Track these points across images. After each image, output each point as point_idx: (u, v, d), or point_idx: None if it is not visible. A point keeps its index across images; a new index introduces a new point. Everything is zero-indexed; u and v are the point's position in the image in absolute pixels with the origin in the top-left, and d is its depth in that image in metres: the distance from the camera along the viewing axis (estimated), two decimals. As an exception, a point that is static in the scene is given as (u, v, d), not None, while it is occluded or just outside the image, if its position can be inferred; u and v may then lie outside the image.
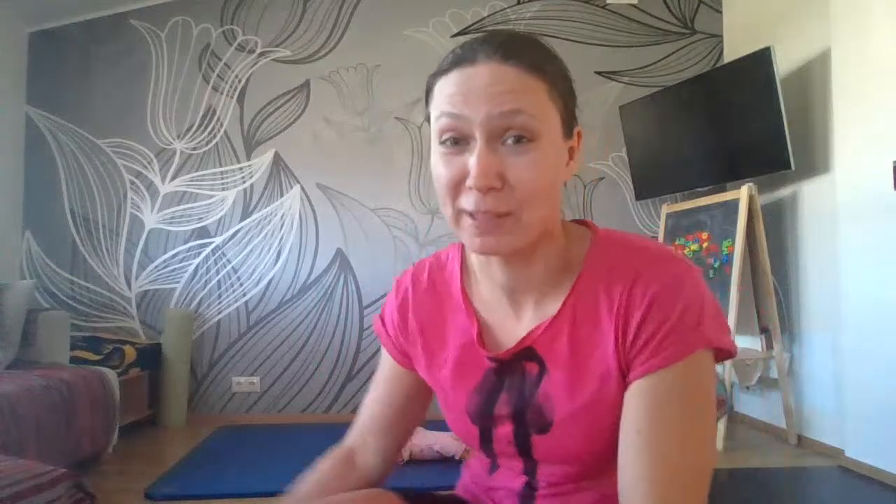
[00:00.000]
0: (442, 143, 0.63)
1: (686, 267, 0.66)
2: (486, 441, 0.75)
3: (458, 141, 0.62)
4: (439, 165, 0.64)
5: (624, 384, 0.66)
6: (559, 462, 0.72)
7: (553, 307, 0.70)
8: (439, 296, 0.78)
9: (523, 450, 0.73)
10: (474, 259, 0.75)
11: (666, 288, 0.64)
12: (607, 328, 0.66)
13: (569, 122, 0.67)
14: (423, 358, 0.78)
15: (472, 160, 0.60)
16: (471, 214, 0.62)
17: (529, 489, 0.74)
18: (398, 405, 0.83)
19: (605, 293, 0.67)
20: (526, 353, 0.71)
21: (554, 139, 0.64)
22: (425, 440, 2.48)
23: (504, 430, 0.73)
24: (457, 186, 0.62)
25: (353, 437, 0.85)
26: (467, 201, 0.62)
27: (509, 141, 0.61)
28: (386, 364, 0.84)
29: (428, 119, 0.68)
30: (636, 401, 0.64)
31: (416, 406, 0.84)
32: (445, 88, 0.63)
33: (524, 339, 0.71)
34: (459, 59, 0.63)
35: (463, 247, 0.78)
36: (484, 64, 0.61)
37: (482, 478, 0.81)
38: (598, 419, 0.67)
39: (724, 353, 0.66)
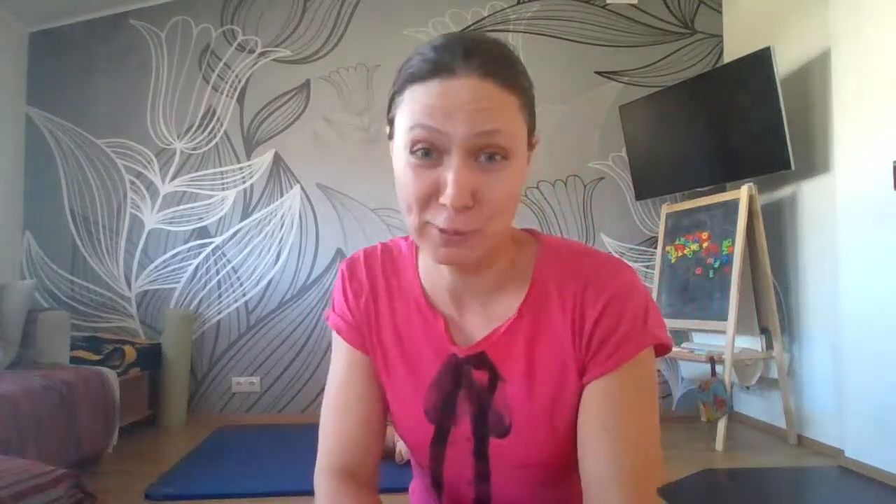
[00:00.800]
0: (413, 152, 0.62)
1: (630, 270, 0.71)
2: (439, 442, 0.74)
3: (429, 153, 0.61)
4: (409, 177, 0.62)
5: (579, 383, 0.69)
6: (516, 467, 0.72)
7: (503, 312, 0.71)
8: (391, 290, 0.77)
9: (479, 450, 0.72)
10: (424, 260, 0.76)
11: (618, 291, 0.68)
12: (562, 329, 0.69)
13: (531, 133, 0.68)
14: (378, 351, 0.76)
15: (449, 177, 0.60)
16: (439, 228, 0.61)
17: None
18: (377, 402, 0.77)
19: (558, 296, 0.70)
20: (477, 358, 0.71)
21: (522, 153, 0.65)
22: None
23: (463, 429, 0.73)
24: (426, 200, 0.62)
25: (346, 454, 0.74)
26: (437, 217, 0.61)
27: (483, 158, 0.61)
28: (352, 362, 0.77)
29: (391, 121, 0.67)
30: (598, 400, 0.67)
31: (385, 399, 0.78)
32: (423, 98, 0.61)
33: (481, 342, 0.71)
34: (438, 68, 0.61)
35: (413, 243, 0.78)
36: (465, 78, 0.60)
37: None
38: (557, 420, 0.69)
39: (663, 347, 0.70)
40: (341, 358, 0.78)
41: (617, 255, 3.59)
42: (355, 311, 0.77)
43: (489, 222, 0.62)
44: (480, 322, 0.72)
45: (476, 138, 0.60)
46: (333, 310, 0.80)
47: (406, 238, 0.80)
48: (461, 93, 0.60)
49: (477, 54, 0.61)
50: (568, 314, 0.69)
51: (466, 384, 0.72)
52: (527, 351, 0.70)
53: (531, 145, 0.69)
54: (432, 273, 0.74)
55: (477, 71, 0.60)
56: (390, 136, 0.67)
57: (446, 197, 0.59)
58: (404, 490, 0.95)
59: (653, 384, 0.69)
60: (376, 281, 0.77)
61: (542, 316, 0.70)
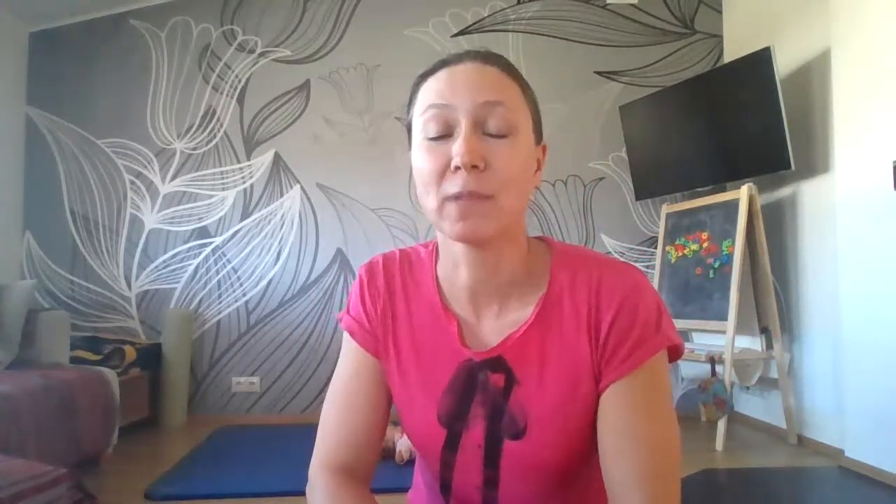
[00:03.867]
0: (428, 138, 0.67)
1: (640, 274, 0.73)
2: (450, 447, 0.74)
3: (441, 133, 0.66)
4: (424, 157, 0.67)
5: (595, 387, 0.70)
6: (527, 470, 0.72)
7: (519, 314, 0.73)
8: (408, 295, 0.78)
9: (491, 456, 0.73)
10: (443, 261, 0.77)
11: (629, 295, 0.70)
12: (576, 333, 0.71)
13: (538, 131, 0.72)
14: (392, 355, 0.77)
15: (456, 144, 0.64)
16: (455, 198, 0.65)
17: None
18: (382, 405, 0.78)
19: (571, 301, 0.72)
20: (494, 361, 0.72)
21: (527, 138, 0.69)
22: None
23: (475, 433, 0.73)
24: (442, 173, 0.66)
25: (348, 452, 0.75)
26: (452, 185, 0.65)
27: (490, 130, 0.66)
28: (361, 364, 0.78)
29: (409, 127, 0.72)
30: (616, 404, 0.68)
31: (389, 402, 0.80)
32: (433, 85, 0.68)
33: (497, 346, 0.72)
34: (446, 61, 0.70)
35: (434, 250, 0.79)
36: (470, 63, 0.68)
37: None
38: (570, 421, 0.70)
39: (675, 349, 0.72)
40: (351, 359, 0.79)
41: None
42: (372, 316, 0.78)
43: (501, 190, 0.65)
44: (496, 326, 0.74)
45: (481, 108, 0.65)
46: (348, 312, 0.81)
47: (426, 245, 0.82)
48: (467, 72, 0.68)
49: (481, 52, 0.70)
50: (582, 318, 0.71)
51: (482, 388, 0.73)
52: (540, 354, 0.71)
53: (540, 146, 0.73)
54: (451, 277, 0.76)
55: (480, 57, 0.69)
56: (410, 146, 0.72)
57: (456, 157, 0.64)
58: (404, 490, 0.95)
59: (668, 386, 0.70)
60: (394, 286, 0.79)
61: (556, 320, 0.72)
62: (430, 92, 0.68)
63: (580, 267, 0.73)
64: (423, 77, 0.71)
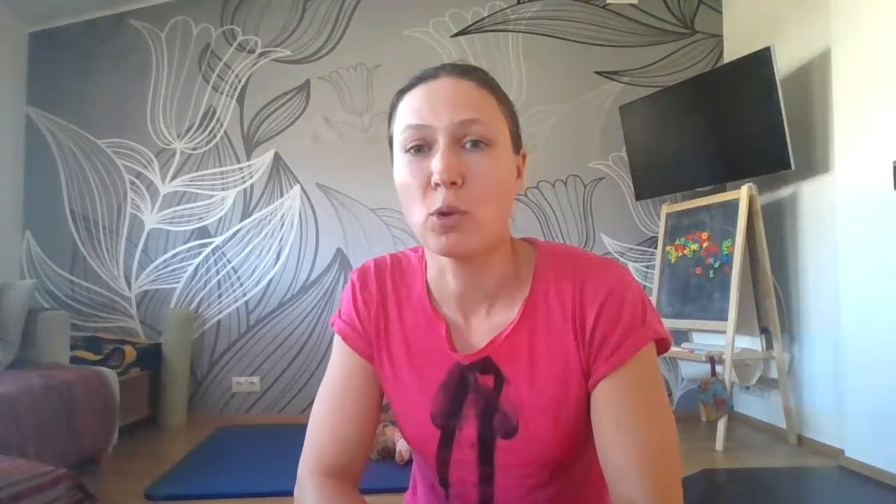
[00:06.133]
0: (406, 151, 0.68)
1: (624, 270, 0.74)
2: (445, 446, 0.76)
3: (421, 148, 0.68)
4: (405, 173, 0.69)
5: (585, 382, 0.71)
6: (520, 466, 0.74)
7: (506, 316, 0.74)
8: (400, 299, 0.80)
9: (484, 454, 0.74)
10: (431, 268, 0.79)
11: (614, 290, 0.71)
12: (564, 331, 0.72)
13: (516, 140, 0.73)
14: (386, 358, 0.78)
15: (435, 160, 0.66)
16: (438, 214, 0.66)
17: None
18: (372, 407, 0.79)
19: (557, 299, 0.73)
20: (482, 363, 0.74)
21: (506, 148, 0.70)
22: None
23: (468, 432, 0.74)
24: (424, 189, 0.67)
25: (338, 453, 0.76)
26: (434, 201, 0.66)
27: (468, 144, 0.67)
28: (352, 367, 0.79)
29: (390, 140, 0.73)
30: (607, 397, 0.69)
31: (380, 405, 0.81)
32: (410, 102, 0.69)
33: (485, 347, 0.74)
34: (422, 77, 0.71)
35: (423, 255, 0.81)
36: (445, 78, 0.69)
37: None
38: (561, 417, 0.72)
39: (663, 342, 0.72)
40: (342, 362, 0.80)
41: (617, 256, 3.60)
42: (365, 320, 0.79)
43: (478, 205, 0.66)
44: (484, 328, 0.75)
45: (458, 127, 0.66)
46: (340, 316, 0.82)
47: (415, 249, 0.83)
48: (442, 89, 0.68)
49: (456, 65, 0.71)
50: (568, 314, 0.72)
51: (473, 389, 0.74)
52: (529, 352, 0.73)
53: (519, 155, 0.74)
54: (440, 281, 0.77)
55: (455, 72, 0.70)
56: (392, 160, 0.73)
57: (436, 174, 0.65)
58: (404, 490, 0.95)
59: (658, 376, 0.71)
60: (386, 290, 0.80)
61: (543, 318, 0.73)
62: (409, 110, 0.69)
63: (565, 265, 0.74)
64: (402, 93, 0.72)
